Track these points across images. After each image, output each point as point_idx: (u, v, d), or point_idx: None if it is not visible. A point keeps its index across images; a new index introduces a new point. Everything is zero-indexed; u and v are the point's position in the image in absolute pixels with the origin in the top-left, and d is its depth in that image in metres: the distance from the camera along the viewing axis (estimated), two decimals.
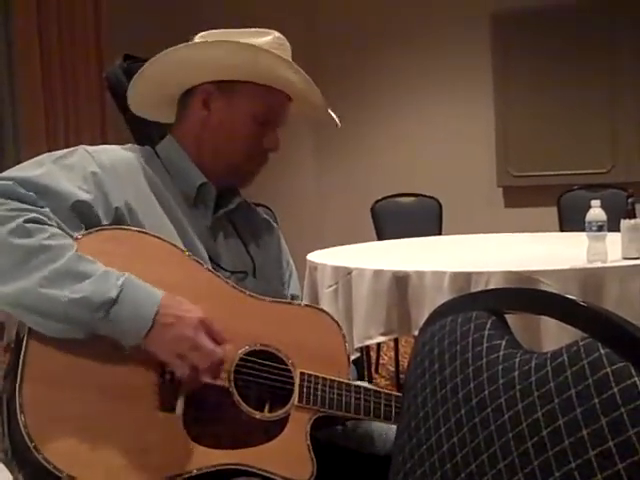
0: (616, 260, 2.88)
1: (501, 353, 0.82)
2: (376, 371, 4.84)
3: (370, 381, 4.15)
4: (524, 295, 0.84)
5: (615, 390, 0.67)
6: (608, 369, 0.68)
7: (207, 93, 1.64)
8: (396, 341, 4.58)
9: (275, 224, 1.87)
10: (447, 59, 6.29)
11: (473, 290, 2.74)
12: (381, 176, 6.40)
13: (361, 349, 3.18)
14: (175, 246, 1.50)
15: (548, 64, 5.91)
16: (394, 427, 1.31)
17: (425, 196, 5.22)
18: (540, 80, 5.97)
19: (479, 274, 2.77)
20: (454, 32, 6.23)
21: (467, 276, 2.78)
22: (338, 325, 1.61)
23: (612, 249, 2.91)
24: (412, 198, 5.23)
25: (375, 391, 1.58)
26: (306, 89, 1.65)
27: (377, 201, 5.16)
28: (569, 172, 5.79)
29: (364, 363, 3.50)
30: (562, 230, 4.75)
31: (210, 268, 1.54)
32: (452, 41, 6.25)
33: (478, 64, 6.18)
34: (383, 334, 2.95)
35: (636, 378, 0.66)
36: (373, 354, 4.71)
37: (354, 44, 6.53)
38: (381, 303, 2.88)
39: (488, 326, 0.85)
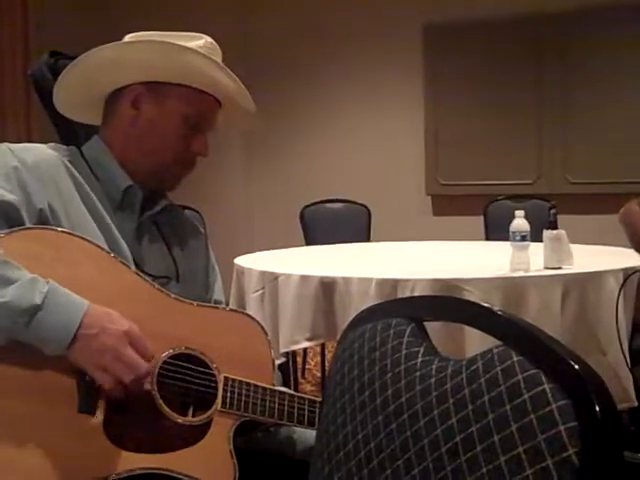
0: (538, 270, 2.95)
1: (419, 360, 0.83)
2: (302, 376, 4.85)
3: (296, 386, 4.15)
4: (442, 303, 0.86)
5: (526, 397, 0.68)
6: (520, 376, 0.70)
7: (136, 93, 1.62)
8: (322, 346, 4.59)
9: (202, 229, 1.86)
10: (378, 68, 6.35)
11: (399, 297, 2.77)
12: (311, 182, 6.43)
13: (287, 354, 3.19)
14: (101, 248, 1.48)
15: (478, 75, 6.02)
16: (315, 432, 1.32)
17: (354, 203, 5.25)
18: (470, 91, 6.08)
19: (405, 281, 2.80)
20: (386, 41, 6.29)
21: (393, 283, 2.81)
22: (263, 330, 1.61)
23: (535, 259, 2.98)
24: (341, 204, 5.26)
25: (299, 397, 1.58)
26: (236, 92, 1.65)
27: (306, 206, 5.17)
28: (496, 182, 5.89)
29: (290, 368, 3.50)
30: (488, 239, 4.84)
31: (136, 271, 1.52)
32: (384, 50, 6.31)
33: (409, 74, 6.25)
34: (309, 339, 2.96)
35: (546, 385, 0.68)
36: (299, 359, 4.72)
37: (286, 53, 6.54)
38: (307, 308, 2.89)
39: (407, 333, 0.86)
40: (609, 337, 2.89)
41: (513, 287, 2.84)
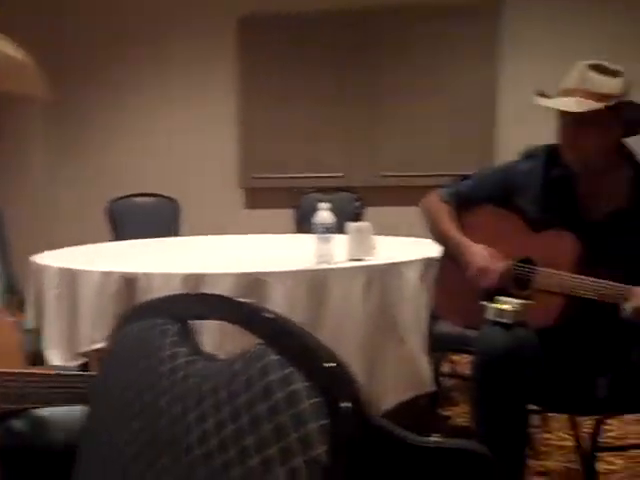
0: (342, 261, 3.00)
1: (183, 360, 0.80)
2: None
3: None
4: (206, 301, 0.84)
5: (279, 396, 0.67)
6: (275, 375, 0.69)
7: None
8: None
9: None
10: (193, 60, 6.27)
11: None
12: (118, 175, 6.27)
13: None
14: None
15: (290, 69, 6.07)
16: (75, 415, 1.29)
17: (163, 196, 5.16)
18: (283, 85, 6.12)
19: (210, 276, 2.77)
20: (200, 34, 6.22)
21: (198, 278, 2.76)
22: (14, 322, 1.57)
23: (341, 251, 3.03)
24: (150, 198, 5.15)
25: (49, 375, 1.53)
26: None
27: (113, 201, 5.02)
28: (307, 175, 5.97)
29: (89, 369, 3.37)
30: (299, 232, 4.89)
31: None
32: (197, 43, 6.24)
33: (223, 66, 6.21)
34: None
35: (300, 384, 0.67)
36: None
37: (98, 44, 6.34)
38: (108, 306, 2.79)
39: (172, 332, 0.83)
40: (409, 325, 2.98)
41: (317, 279, 2.87)
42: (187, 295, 0.85)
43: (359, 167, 6.00)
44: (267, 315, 0.74)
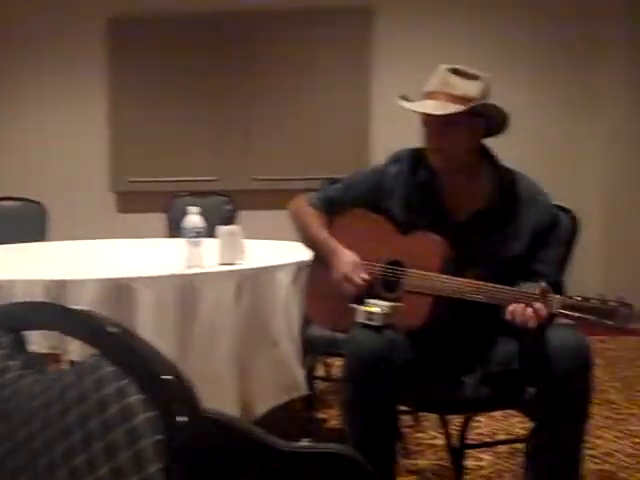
0: (212, 266, 2.95)
1: (14, 374, 0.75)
2: None
3: None
4: (40, 311, 0.78)
5: (114, 409, 0.63)
6: (109, 387, 0.64)
7: None
8: None
9: None
10: (62, 60, 6.08)
11: (70, 299, 2.64)
12: None
13: None
14: None
15: (162, 72, 5.96)
16: None
17: (29, 200, 4.96)
18: (155, 87, 6.00)
19: (74, 282, 2.66)
20: (70, 34, 6.04)
21: (61, 285, 2.65)
22: None
23: (212, 255, 2.98)
24: (15, 202, 4.94)
25: None
26: None
27: None
28: (180, 179, 5.88)
29: None
30: (171, 237, 4.79)
31: None
32: (67, 43, 6.05)
33: (94, 67, 6.03)
34: None
35: (135, 397, 0.63)
36: None
37: None
38: None
39: (4, 344, 0.78)
40: (282, 329, 2.96)
41: (187, 284, 2.80)
42: (22, 304, 0.79)
43: (232, 171, 5.94)
44: (104, 325, 0.70)
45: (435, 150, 2.27)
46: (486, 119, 2.25)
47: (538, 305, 2.01)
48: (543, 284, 2.04)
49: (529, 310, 2.01)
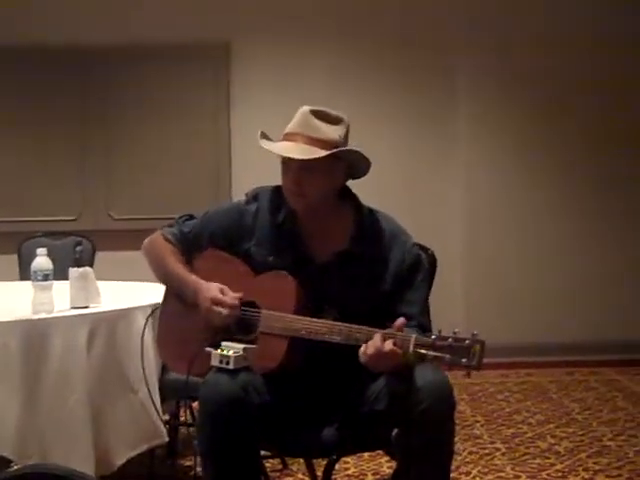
0: (64, 310, 2.79)
1: None
2: None
3: None
4: None
5: None
6: None
7: None
8: None
9: None
10: None
11: None
12: None
13: None
14: None
15: (24, 107, 5.73)
16: None
17: None
18: (6, 124, 5.76)
19: None
20: None
21: None
22: None
23: (64, 298, 2.82)
24: None
25: None
26: None
27: None
28: (36, 219, 5.62)
29: None
30: (23, 279, 4.54)
31: None
32: None
33: None
34: None
35: None
36: None
37: None
38: None
39: None
40: (140, 375, 2.82)
41: (35, 330, 2.66)
42: None
43: (92, 210, 5.75)
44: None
45: (292, 193, 2.23)
46: (347, 163, 2.23)
47: (388, 346, 1.96)
48: (400, 320, 2.01)
49: (384, 350, 1.96)
